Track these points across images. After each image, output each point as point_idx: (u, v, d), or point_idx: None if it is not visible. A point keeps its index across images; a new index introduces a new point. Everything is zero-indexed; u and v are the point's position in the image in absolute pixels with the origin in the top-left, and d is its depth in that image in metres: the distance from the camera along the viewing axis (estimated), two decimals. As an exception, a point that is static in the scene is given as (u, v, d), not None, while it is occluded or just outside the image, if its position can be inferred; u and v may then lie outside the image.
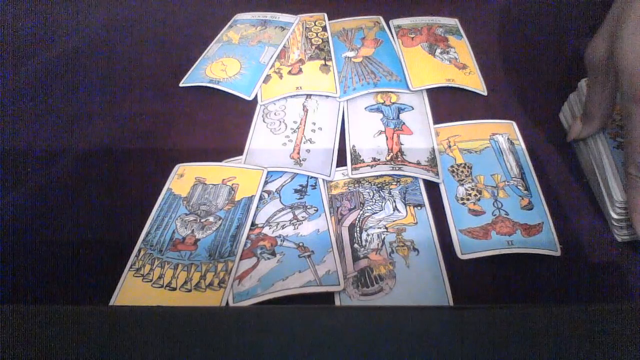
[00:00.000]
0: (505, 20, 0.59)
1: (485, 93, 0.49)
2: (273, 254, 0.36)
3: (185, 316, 0.27)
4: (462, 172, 0.41)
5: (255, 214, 0.39)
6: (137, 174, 0.43)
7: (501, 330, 0.25)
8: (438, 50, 0.53)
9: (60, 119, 0.48)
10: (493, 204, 0.39)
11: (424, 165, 0.41)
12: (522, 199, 0.39)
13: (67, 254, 0.37)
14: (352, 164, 0.42)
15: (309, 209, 0.39)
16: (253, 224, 0.38)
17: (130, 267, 0.36)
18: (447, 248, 0.36)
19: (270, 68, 0.51)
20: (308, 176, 0.42)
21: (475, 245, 0.36)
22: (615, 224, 0.36)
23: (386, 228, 0.38)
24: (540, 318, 0.26)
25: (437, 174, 0.41)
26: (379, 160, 0.42)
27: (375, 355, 0.24)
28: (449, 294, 0.34)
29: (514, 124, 0.45)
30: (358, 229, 0.38)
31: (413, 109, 0.47)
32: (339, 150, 0.43)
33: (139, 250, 0.37)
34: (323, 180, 0.41)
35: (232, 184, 0.41)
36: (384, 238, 0.37)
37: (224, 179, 0.41)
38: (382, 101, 0.48)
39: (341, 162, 0.42)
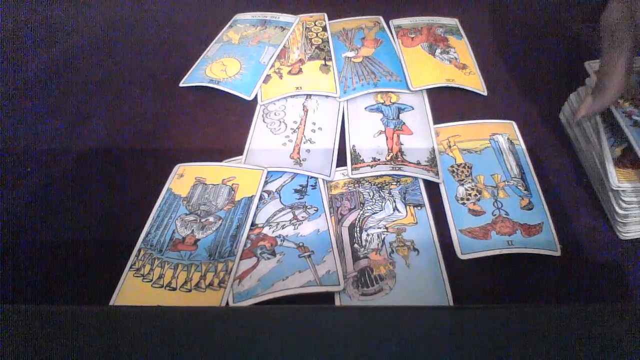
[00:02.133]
0: (505, 20, 0.59)
1: (485, 93, 0.49)
2: (273, 254, 0.36)
3: (185, 316, 0.27)
4: (462, 172, 0.41)
5: (255, 214, 0.39)
6: (137, 174, 0.43)
7: (501, 330, 0.25)
8: (438, 50, 0.53)
9: (60, 119, 0.48)
10: (493, 204, 0.39)
11: (424, 165, 0.41)
12: (522, 199, 0.39)
13: (67, 254, 0.37)
14: (352, 164, 0.42)
15: (309, 209, 0.39)
16: (253, 224, 0.38)
17: (130, 267, 0.36)
18: (447, 248, 0.36)
19: (270, 68, 0.51)
20: (308, 176, 0.41)
21: (475, 245, 0.36)
22: (620, 220, 0.36)
23: (386, 228, 0.38)
24: (540, 318, 0.26)
25: (437, 174, 0.41)
26: (379, 160, 0.42)
27: (375, 355, 0.24)
28: (449, 294, 0.34)
29: (514, 124, 0.45)
30: (358, 229, 0.38)
31: (413, 109, 0.47)
32: (339, 150, 0.43)
33: (139, 250, 0.37)
34: (323, 180, 0.41)
35: (232, 184, 0.41)
36: (384, 238, 0.37)
37: (224, 179, 0.41)
38: (382, 101, 0.48)
39: (341, 162, 0.42)
